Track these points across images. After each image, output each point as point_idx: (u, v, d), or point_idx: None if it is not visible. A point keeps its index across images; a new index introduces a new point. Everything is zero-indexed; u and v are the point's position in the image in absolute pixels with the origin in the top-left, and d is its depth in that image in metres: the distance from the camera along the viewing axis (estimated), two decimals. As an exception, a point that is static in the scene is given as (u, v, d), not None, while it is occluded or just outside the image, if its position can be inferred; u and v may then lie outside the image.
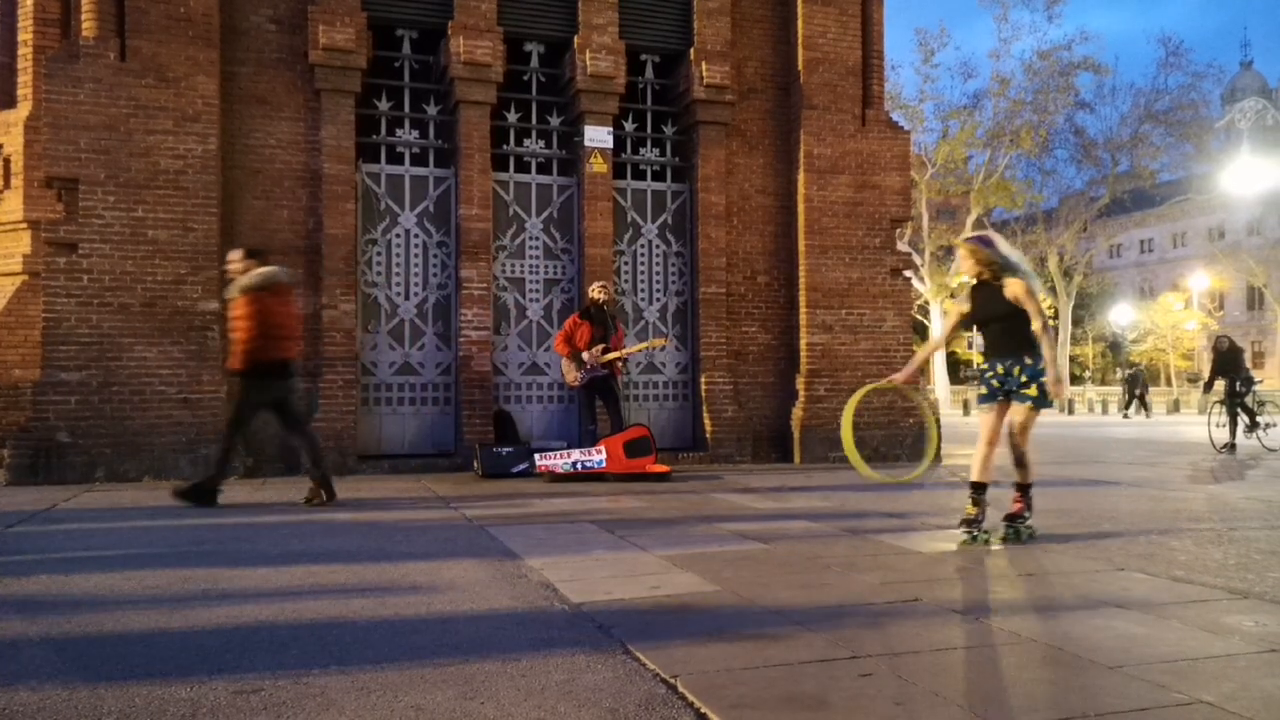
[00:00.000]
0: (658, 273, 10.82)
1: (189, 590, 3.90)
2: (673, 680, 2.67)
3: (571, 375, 8.94)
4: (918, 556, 4.65)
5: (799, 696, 2.55)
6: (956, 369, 49.45)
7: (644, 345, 9.38)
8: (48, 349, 8.34)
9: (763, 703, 2.50)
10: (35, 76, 9.69)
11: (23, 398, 9.30)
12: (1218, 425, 13.39)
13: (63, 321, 8.34)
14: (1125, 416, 30.04)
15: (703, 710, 2.43)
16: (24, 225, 10.02)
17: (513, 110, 10.34)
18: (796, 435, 10.42)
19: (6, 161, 10.06)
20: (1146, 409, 30.45)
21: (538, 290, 10.40)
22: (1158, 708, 2.43)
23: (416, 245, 10.04)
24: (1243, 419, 13.19)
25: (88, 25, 8.58)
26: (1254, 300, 58.32)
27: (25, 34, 9.97)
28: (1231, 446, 12.74)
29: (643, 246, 10.79)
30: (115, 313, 8.48)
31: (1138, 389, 30.75)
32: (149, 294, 8.57)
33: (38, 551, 4.87)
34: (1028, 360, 4.95)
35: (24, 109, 10.03)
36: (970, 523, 5.10)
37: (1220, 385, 13.63)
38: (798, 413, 10.48)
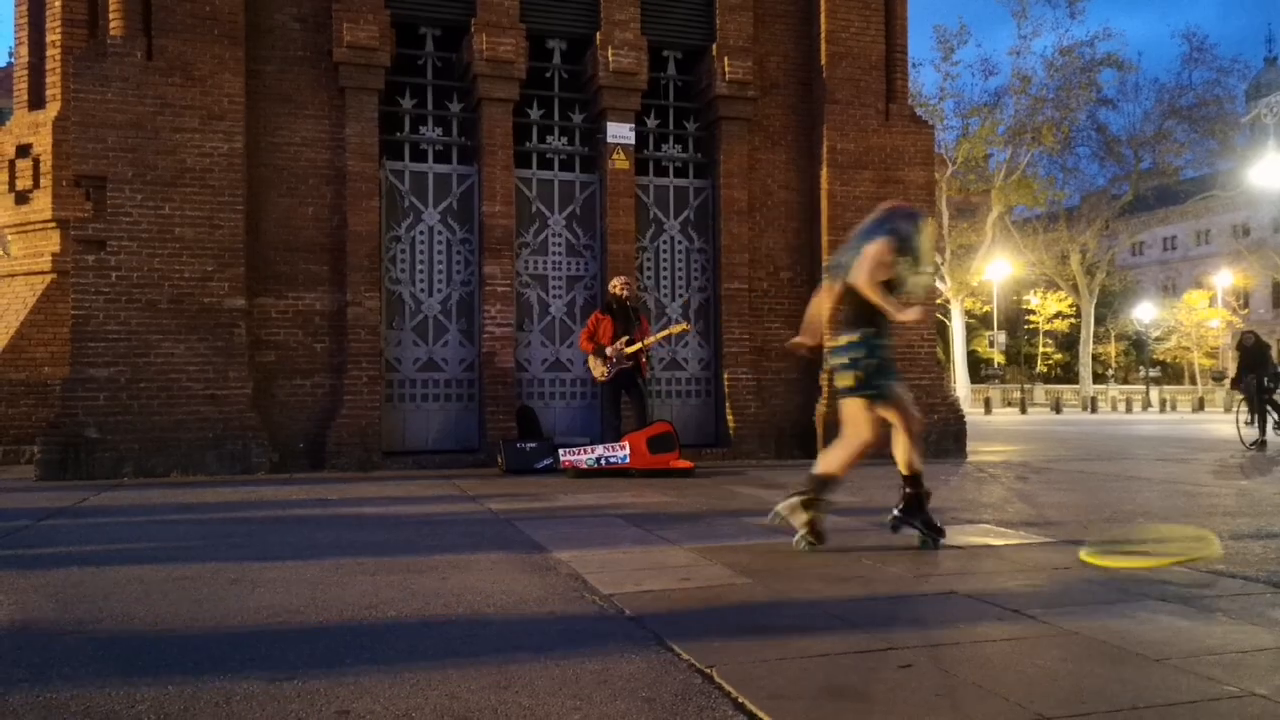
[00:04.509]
0: (680, 269, 10.79)
1: (219, 582, 3.91)
2: (709, 671, 2.63)
3: (599, 371, 8.93)
4: (950, 550, 4.59)
5: (838, 687, 2.51)
6: (978, 368, 49.13)
7: (665, 333, 9.33)
8: (76, 346, 8.41)
9: (802, 693, 2.46)
10: (63, 77, 9.81)
11: (52, 394, 9.41)
12: (1246, 422, 13.20)
13: (91, 319, 8.41)
14: None
15: (741, 700, 2.40)
16: (53, 224, 10.15)
17: (535, 107, 10.34)
18: (820, 431, 10.35)
19: (36, 161, 10.19)
20: None
21: (560, 287, 10.40)
22: (1209, 700, 2.37)
23: (440, 242, 10.06)
24: (1272, 415, 13.00)
25: (115, 24, 8.65)
26: (1280, 297, 57.58)
27: (53, 35, 10.10)
28: (1261, 443, 12.56)
29: (665, 243, 10.76)
30: (143, 310, 8.54)
31: None
32: (176, 291, 8.63)
33: (69, 544, 4.91)
34: None
35: (52, 109, 10.15)
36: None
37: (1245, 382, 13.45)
38: (821, 409, 10.42)
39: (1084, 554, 4.30)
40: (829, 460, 4.52)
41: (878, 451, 4.61)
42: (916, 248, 4.41)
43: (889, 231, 4.40)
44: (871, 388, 4.42)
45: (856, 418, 4.47)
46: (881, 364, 4.45)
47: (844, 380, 4.47)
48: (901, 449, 4.54)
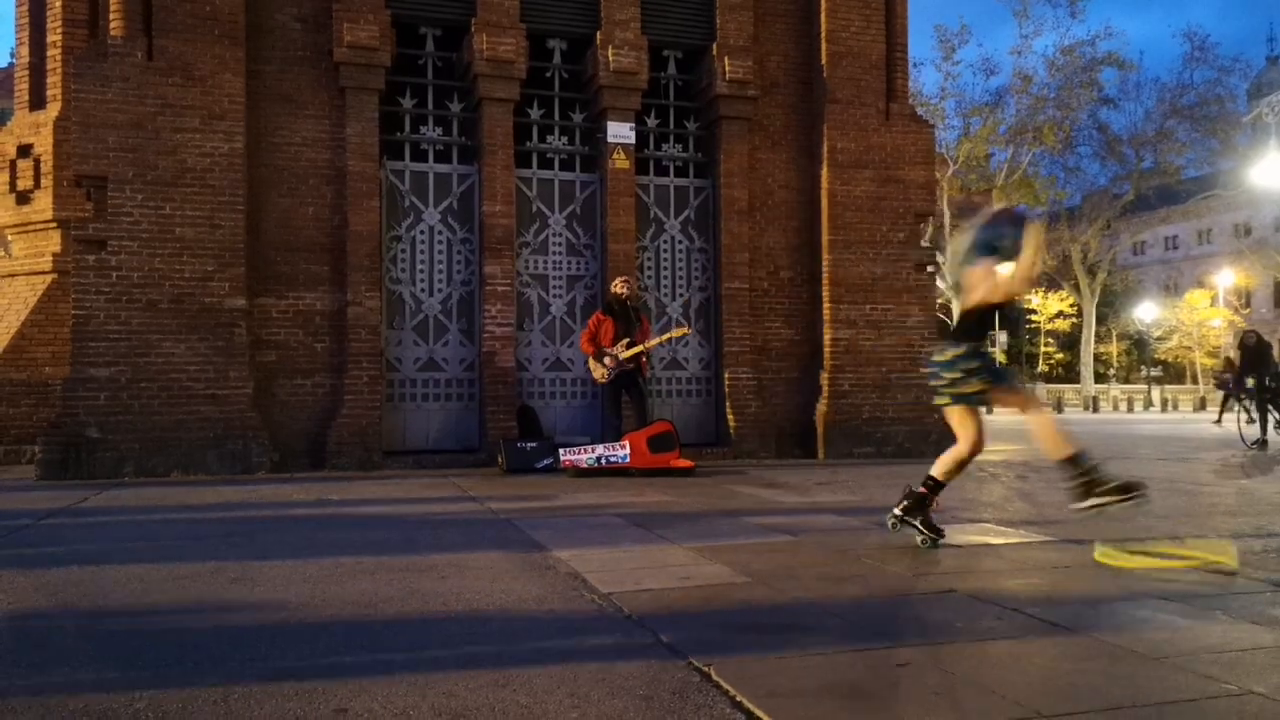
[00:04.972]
0: (680, 268, 10.79)
1: (219, 580, 3.91)
2: (706, 669, 2.63)
3: (599, 372, 8.93)
4: (950, 549, 4.59)
5: (835, 685, 2.51)
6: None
7: (665, 337, 9.36)
8: (77, 346, 8.42)
9: (799, 691, 2.46)
10: (64, 77, 9.82)
11: (53, 394, 9.42)
12: (1247, 421, 13.20)
13: (92, 319, 8.41)
14: None
15: (738, 698, 2.40)
16: (54, 224, 10.16)
17: (535, 107, 10.34)
18: (820, 431, 10.36)
19: (36, 161, 10.20)
20: None
21: (561, 286, 10.40)
22: (1207, 699, 2.37)
23: (440, 242, 10.07)
24: (1273, 414, 13.00)
25: (115, 25, 8.65)
26: (1282, 297, 57.47)
27: (54, 35, 10.11)
28: (1263, 443, 12.55)
29: (665, 242, 10.76)
30: (143, 310, 8.55)
31: None
32: (176, 291, 8.64)
33: (69, 543, 4.91)
34: None
35: (53, 109, 10.16)
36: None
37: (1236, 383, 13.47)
38: (822, 408, 10.42)
39: (1098, 554, 4.28)
40: (1048, 447, 4.40)
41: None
42: (1018, 247, 4.36)
43: (990, 250, 4.41)
44: (1004, 378, 4.50)
45: (1023, 403, 4.48)
46: (994, 364, 4.52)
47: (971, 387, 4.43)
48: (952, 458, 4.54)
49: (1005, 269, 4.43)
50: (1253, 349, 13.41)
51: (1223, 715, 2.27)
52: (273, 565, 4.23)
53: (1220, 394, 23.07)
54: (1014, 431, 18.46)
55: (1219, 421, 19.83)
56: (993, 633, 3.03)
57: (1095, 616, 3.22)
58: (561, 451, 8.69)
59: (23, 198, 10.29)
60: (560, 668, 2.67)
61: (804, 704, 2.36)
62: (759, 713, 2.29)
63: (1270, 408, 12.97)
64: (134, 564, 4.27)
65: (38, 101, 10.43)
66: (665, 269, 10.75)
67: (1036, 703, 2.34)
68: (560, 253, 10.42)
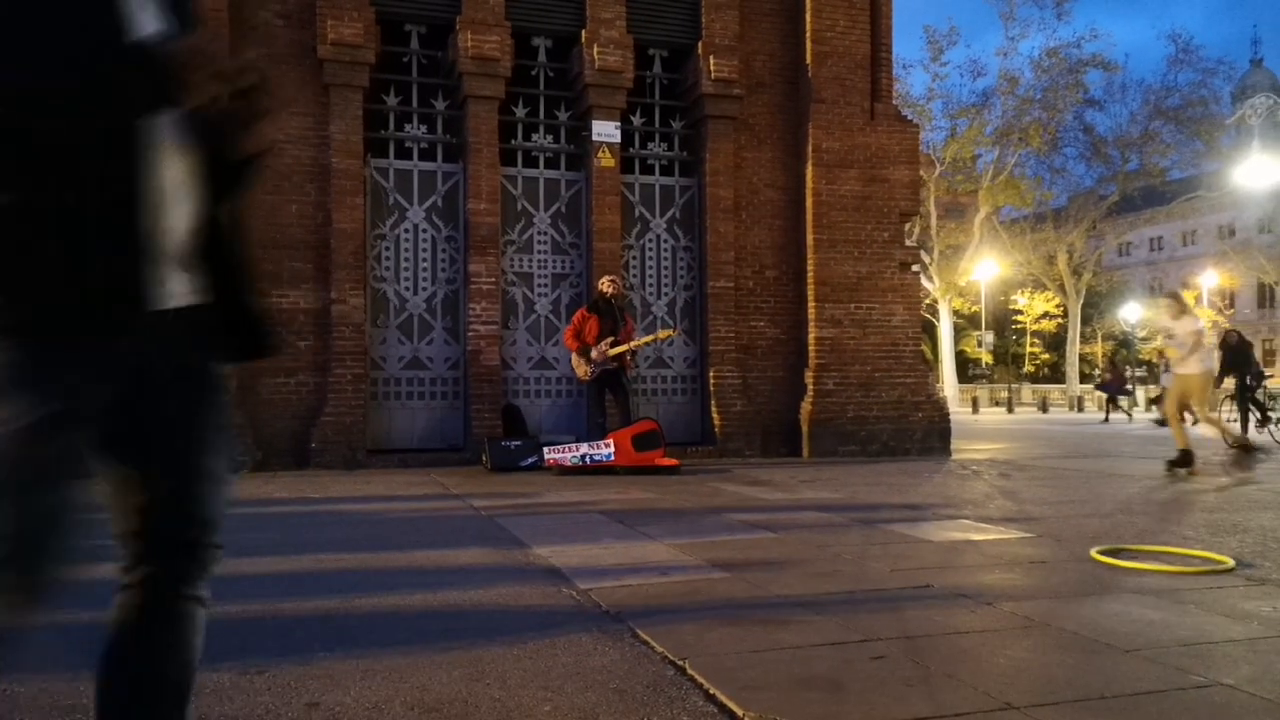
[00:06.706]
0: (666, 267, 10.79)
1: (196, 577, 3.88)
2: (681, 663, 2.64)
3: (582, 369, 8.92)
4: (929, 545, 4.61)
5: (810, 678, 2.52)
6: (965, 368, 49.30)
7: (651, 338, 9.38)
8: (57, 343, 8.33)
9: (774, 684, 2.46)
10: (45, 72, 9.72)
11: (32, 392, 9.32)
12: (1227, 421, 13.30)
13: (72, 316, 8.33)
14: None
15: (712, 691, 2.40)
16: (34, 221, 10.05)
17: (520, 105, 10.32)
18: (805, 429, 10.38)
19: (16, 158, 10.09)
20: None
21: (546, 285, 10.39)
22: (1176, 690, 2.39)
23: (425, 240, 10.04)
24: (1254, 413, 13.11)
25: (96, 20, 8.58)
26: (1265, 298, 57.94)
27: (35, 30, 9.99)
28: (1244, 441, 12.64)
29: (651, 241, 10.76)
30: (124, 307, 8.47)
31: None
32: (158, 288, 8.56)
33: (46, 541, 4.86)
34: None
35: (34, 105, 10.06)
36: None
37: (1229, 380, 13.60)
38: (806, 407, 10.44)
39: (1095, 553, 4.28)
40: None
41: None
42: None
43: None
44: None
45: None
46: None
47: None
48: None
49: None
50: (1234, 348, 13.52)
51: (1192, 706, 2.28)
52: (250, 561, 4.20)
53: (1103, 395, 25.90)
54: (998, 431, 18.54)
55: (1106, 420, 22.80)
56: (968, 626, 3.05)
57: (1071, 610, 3.24)
58: (546, 450, 8.68)
59: (3, 194, 10.21)
60: (534, 662, 2.66)
61: (777, 697, 2.37)
62: (732, 706, 2.29)
63: (1250, 406, 13.08)
64: (110, 561, 4.23)
65: (18, 98, 10.35)
66: (651, 268, 10.75)
67: (1008, 695, 2.35)
68: (545, 251, 10.41)
